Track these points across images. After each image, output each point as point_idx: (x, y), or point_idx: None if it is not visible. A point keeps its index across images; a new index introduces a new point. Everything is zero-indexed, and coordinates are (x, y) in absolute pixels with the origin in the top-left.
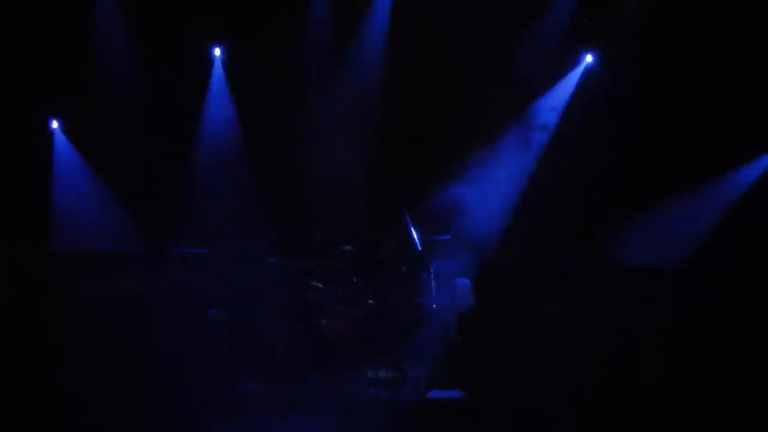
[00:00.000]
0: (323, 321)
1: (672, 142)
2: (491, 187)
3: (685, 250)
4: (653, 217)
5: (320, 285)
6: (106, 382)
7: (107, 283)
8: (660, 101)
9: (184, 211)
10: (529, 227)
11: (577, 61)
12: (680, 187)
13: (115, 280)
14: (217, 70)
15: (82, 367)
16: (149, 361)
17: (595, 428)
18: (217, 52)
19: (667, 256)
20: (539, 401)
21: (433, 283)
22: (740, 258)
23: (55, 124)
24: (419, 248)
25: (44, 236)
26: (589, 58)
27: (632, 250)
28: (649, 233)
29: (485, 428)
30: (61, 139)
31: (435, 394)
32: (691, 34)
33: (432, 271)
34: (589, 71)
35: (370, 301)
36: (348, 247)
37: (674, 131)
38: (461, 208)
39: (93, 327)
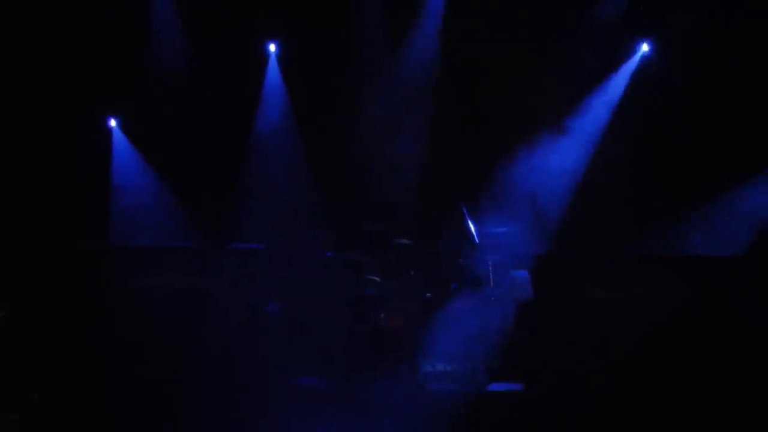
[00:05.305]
0: (381, 315)
1: (731, 131)
2: (547, 177)
3: (744, 240)
4: (713, 207)
5: (377, 279)
6: (165, 375)
7: (165, 278)
8: (717, 90)
9: (240, 206)
10: (588, 217)
11: (633, 50)
12: (739, 178)
13: (173, 275)
14: (272, 65)
15: (142, 360)
16: (208, 356)
17: (652, 418)
18: (272, 48)
19: (726, 246)
20: (596, 393)
21: (491, 276)
22: None
23: (113, 123)
24: (476, 241)
25: (105, 232)
26: (645, 48)
27: (692, 240)
28: (708, 223)
29: (544, 421)
30: (119, 137)
31: (494, 387)
32: (750, 21)
33: (490, 263)
34: (645, 60)
35: (428, 295)
36: (404, 240)
37: (733, 121)
38: (519, 198)
39: (153, 322)
